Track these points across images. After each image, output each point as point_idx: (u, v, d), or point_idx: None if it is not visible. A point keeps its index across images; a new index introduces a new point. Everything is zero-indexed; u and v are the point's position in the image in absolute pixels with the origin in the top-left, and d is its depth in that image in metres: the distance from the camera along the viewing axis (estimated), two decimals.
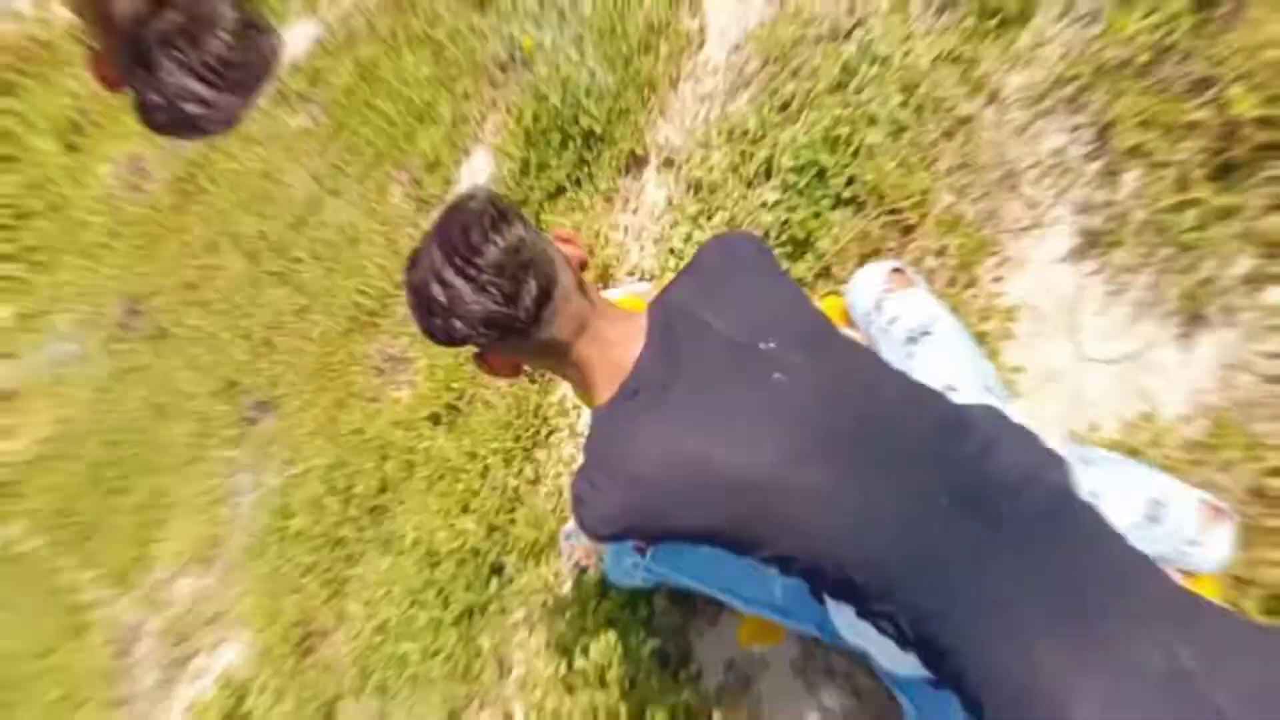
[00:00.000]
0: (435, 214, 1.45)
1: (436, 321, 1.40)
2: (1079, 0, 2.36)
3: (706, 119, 3.23)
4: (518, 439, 3.20)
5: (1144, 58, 2.15)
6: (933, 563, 1.33)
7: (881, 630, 1.42)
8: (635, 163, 3.46)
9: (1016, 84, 2.42)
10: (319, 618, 3.69)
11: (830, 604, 1.69)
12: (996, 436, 1.46)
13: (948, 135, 2.47)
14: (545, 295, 1.40)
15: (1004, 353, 2.21)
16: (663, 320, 1.51)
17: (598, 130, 3.47)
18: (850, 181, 2.59)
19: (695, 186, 3.12)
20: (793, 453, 1.39)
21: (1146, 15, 2.15)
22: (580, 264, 1.55)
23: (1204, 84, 2.06)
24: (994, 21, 2.49)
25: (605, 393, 1.49)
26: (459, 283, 1.35)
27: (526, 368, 1.67)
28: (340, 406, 4.20)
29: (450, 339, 1.42)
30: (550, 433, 3.22)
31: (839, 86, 2.75)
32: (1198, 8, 2.07)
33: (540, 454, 3.20)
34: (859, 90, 2.66)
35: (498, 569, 3.04)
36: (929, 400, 1.52)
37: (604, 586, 2.64)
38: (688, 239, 3.01)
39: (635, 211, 3.39)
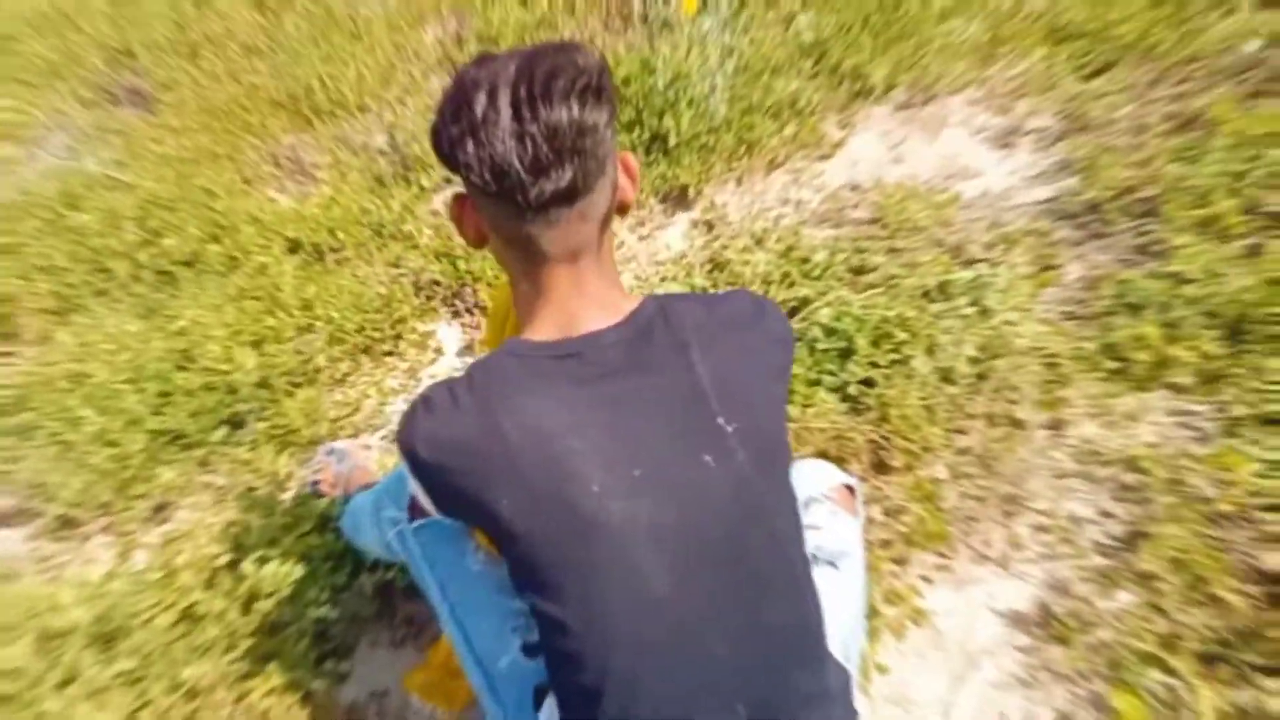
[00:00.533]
0: (453, 71, 1.24)
1: (452, 129, 1.19)
2: (1198, 413, 2.21)
3: (776, 220, 3.00)
4: (360, 330, 2.80)
5: (1226, 506, 1.98)
6: None
7: None
8: (679, 197, 3.21)
9: (1087, 433, 2.23)
10: (22, 318, 3.15)
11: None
12: (835, 700, 1.35)
13: (989, 420, 2.26)
14: (569, 196, 1.21)
15: (882, 643, 1.95)
16: (650, 318, 1.30)
17: (670, 141, 3.22)
18: (868, 383, 2.35)
19: (717, 264, 2.87)
20: (661, 536, 1.21)
21: (1266, 473, 1.99)
22: (623, 204, 1.35)
23: (1262, 576, 1.89)
24: (1114, 364, 2.33)
25: (538, 333, 1.30)
26: (505, 112, 1.15)
27: (488, 249, 1.38)
28: (210, 160, 3.73)
29: (448, 155, 1.21)
30: (391, 353, 2.84)
31: (925, 295, 2.55)
32: None
33: (367, 362, 2.80)
34: (941, 315, 2.46)
35: (237, 423, 2.58)
36: (809, 615, 1.33)
37: (323, 520, 2.25)
38: None
39: (646, 238, 3.11)
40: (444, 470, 1.25)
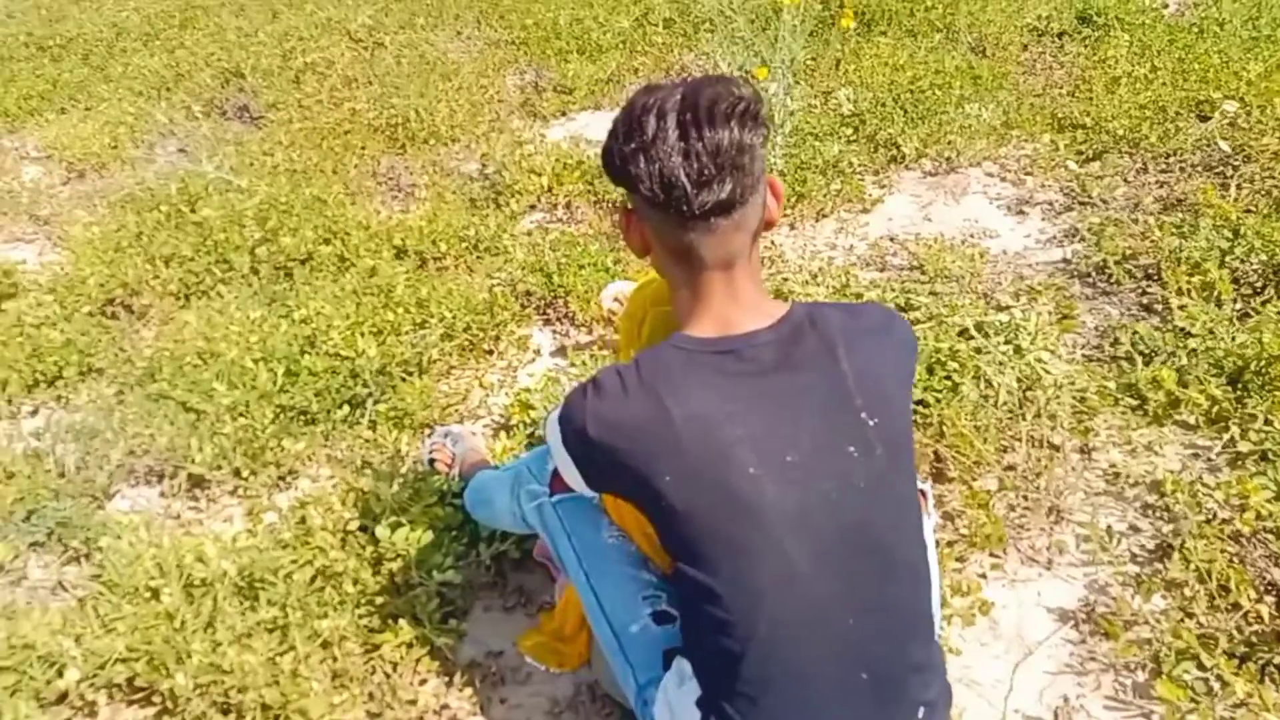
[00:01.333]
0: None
1: (625, 148, 1.18)
2: (1207, 447, 2.22)
3: (829, 261, 3.00)
4: (466, 329, 2.75)
5: (1244, 527, 1.98)
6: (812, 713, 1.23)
7: None
8: None
9: (1113, 458, 2.23)
10: (146, 294, 3.06)
11: (674, 680, 1.39)
12: (937, 672, 1.33)
13: (1034, 442, 2.25)
14: (727, 207, 1.18)
15: (953, 628, 1.93)
16: (800, 322, 1.27)
17: None
18: (921, 403, 2.34)
19: (779, 295, 2.86)
20: (807, 519, 1.19)
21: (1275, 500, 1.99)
22: (769, 221, 1.32)
23: (1274, 589, 1.89)
24: (1133, 401, 2.34)
25: (699, 330, 1.27)
26: (673, 133, 1.15)
27: (649, 259, 1.36)
28: (317, 173, 3.66)
29: (620, 172, 1.21)
30: (491, 352, 2.78)
31: (963, 333, 2.54)
32: None
33: (471, 358, 2.75)
34: (981, 350, 2.45)
35: (357, 404, 2.51)
36: (922, 595, 1.32)
37: (444, 495, 2.19)
38: None
39: None
40: (611, 449, 1.22)
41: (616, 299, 2.63)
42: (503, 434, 2.43)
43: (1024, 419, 2.27)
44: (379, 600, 1.97)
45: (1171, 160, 3.26)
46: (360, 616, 1.95)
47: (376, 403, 2.48)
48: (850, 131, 3.56)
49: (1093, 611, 1.93)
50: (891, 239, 3.09)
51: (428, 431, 2.47)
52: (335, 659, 1.88)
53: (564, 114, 4.19)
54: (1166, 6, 4.54)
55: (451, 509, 2.14)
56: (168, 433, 2.41)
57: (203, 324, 2.78)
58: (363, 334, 2.61)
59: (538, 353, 2.76)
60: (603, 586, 1.58)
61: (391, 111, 4.02)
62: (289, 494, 2.37)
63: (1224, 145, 3.14)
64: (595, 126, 4.09)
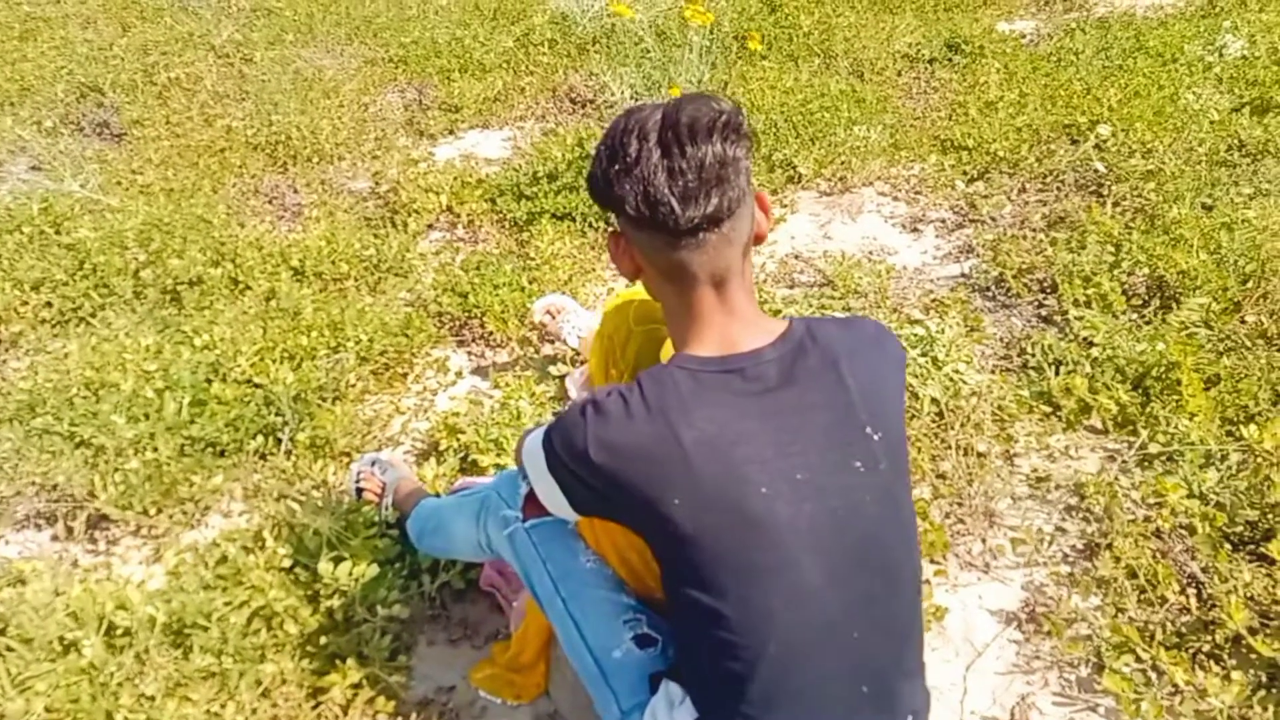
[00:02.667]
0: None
1: (609, 170, 1.20)
2: (1117, 449, 2.35)
3: None
4: (383, 353, 2.65)
5: (1163, 523, 2.11)
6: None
7: None
8: None
9: (1035, 463, 2.34)
10: (15, 323, 2.81)
11: (662, 704, 1.36)
12: (921, 677, 1.35)
13: (961, 450, 2.33)
14: (715, 220, 1.18)
15: None
16: (800, 338, 1.27)
17: None
18: None
19: None
20: (817, 535, 1.19)
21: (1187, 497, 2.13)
22: (758, 235, 1.33)
23: (1194, 580, 2.01)
24: (1047, 409, 2.46)
25: (701, 349, 1.26)
26: (656, 151, 1.16)
27: (641, 282, 1.36)
28: (194, 192, 3.47)
29: (605, 195, 1.23)
30: (406, 374, 2.69)
31: None
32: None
33: (388, 382, 2.65)
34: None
35: (272, 433, 2.39)
36: (918, 603, 1.33)
37: (374, 523, 2.09)
38: None
39: (630, 286, 3.08)
40: (613, 473, 1.20)
41: (549, 312, 2.59)
42: (431, 459, 2.34)
43: (952, 428, 2.35)
44: (322, 640, 1.87)
45: (1049, 180, 3.46)
46: (303, 659, 1.85)
47: (294, 432, 2.35)
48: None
49: (1033, 611, 2.01)
50: (797, 257, 3.16)
51: (349, 460, 2.36)
52: (278, 705, 1.77)
53: (452, 132, 4.12)
54: (1025, 37, 4.83)
55: (388, 540, 2.04)
56: (62, 470, 2.22)
57: (88, 352, 2.58)
58: (274, 360, 2.47)
59: (460, 374, 2.69)
60: (582, 612, 1.54)
61: (271, 129, 3.85)
62: (200, 532, 2.23)
63: (1100, 166, 3.35)
64: (486, 145, 4.04)
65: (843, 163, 3.58)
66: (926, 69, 4.50)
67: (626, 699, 1.46)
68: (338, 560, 1.92)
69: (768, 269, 3.11)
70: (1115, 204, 3.23)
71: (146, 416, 2.31)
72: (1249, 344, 2.53)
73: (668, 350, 1.57)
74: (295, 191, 3.56)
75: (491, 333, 2.81)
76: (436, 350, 2.77)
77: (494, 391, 2.62)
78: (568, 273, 2.97)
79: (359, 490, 2.20)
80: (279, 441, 2.36)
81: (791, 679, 1.21)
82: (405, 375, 2.67)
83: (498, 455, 2.28)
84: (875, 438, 1.24)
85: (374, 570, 1.92)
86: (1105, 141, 3.45)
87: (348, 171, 3.72)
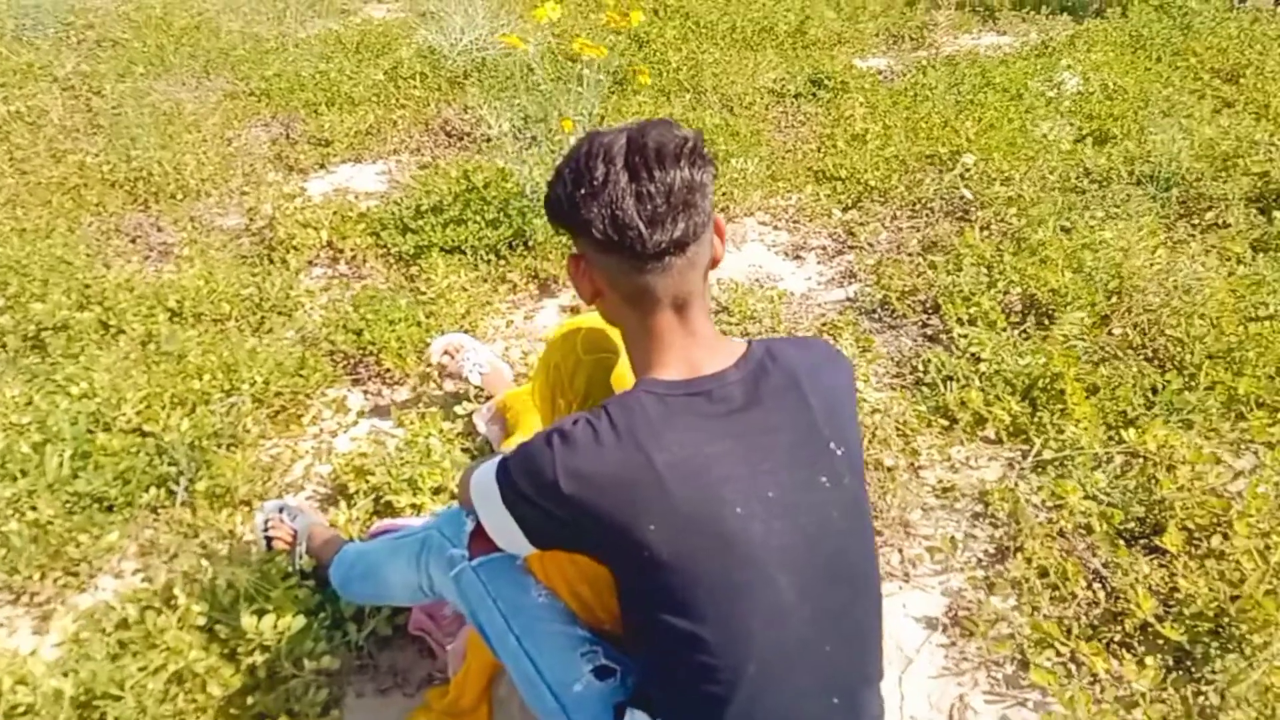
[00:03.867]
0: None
1: (575, 194, 1.20)
2: (1013, 457, 2.49)
3: None
4: (278, 395, 2.55)
5: (1065, 524, 2.24)
6: None
7: None
8: (544, 285, 3.21)
9: (940, 475, 2.44)
10: None
11: None
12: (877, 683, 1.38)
13: (871, 465, 2.42)
14: (681, 245, 1.20)
15: None
16: (760, 359, 1.30)
17: (538, 237, 3.23)
18: None
19: None
20: (790, 552, 1.21)
21: (1085, 496, 2.27)
22: (715, 259, 1.35)
23: (1097, 576, 2.14)
24: (945, 422, 2.59)
25: (666, 373, 1.26)
26: (623, 176, 1.17)
27: (599, 307, 1.37)
28: (48, 233, 3.26)
29: (570, 218, 1.23)
30: (301, 416, 2.59)
31: None
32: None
33: (284, 425, 2.55)
34: None
35: (165, 484, 2.25)
36: (879, 612, 1.38)
37: (285, 571, 2.00)
38: None
39: (530, 317, 3.07)
40: (583, 502, 1.19)
41: (447, 351, 2.56)
42: (340, 503, 2.27)
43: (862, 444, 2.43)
44: (248, 700, 1.77)
45: (919, 207, 3.65)
46: None
47: (191, 482, 2.23)
48: None
49: (956, 615, 2.09)
50: None
51: (250, 509, 2.26)
52: None
53: (323, 166, 4.03)
54: (881, 74, 5.10)
55: (307, 590, 1.96)
56: None
57: None
58: (163, 406, 2.34)
59: (361, 414, 2.61)
60: (537, 648, 1.51)
61: (130, 165, 3.67)
62: (92, 595, 2.08)
63: (966, 193, 3.56)
64: (360, 179, 3.96)
65: (724, 194, 3.68)
66: (793, 103, 4.69)
67: None
68: (260, 613, 1.83)
69: None
70: (983, 228, 3.43)
71: (24, 473, 2.14)
72: (1120, 354, 2.73)
73: (619, 377, 1.58)
74: (160, 230, 3.40)
75: (389, 370, 2.75)
76: (332, 390, 2.68)
77: (397, 430, 2.55)
78: (465, 306, 2.94)
79: (268, 540, 2.11)
80: (172, 493, 2.23)
81: (769, 697, 1.22)
82: (301, 417, 2.57)
83: (413, 495, 2.23)
84: (838, 453, 1.28)
85: (299, 621, 1.84)
86: (969, 170, 3.67)
87: (217, 208, 3.58)
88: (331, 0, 6.08)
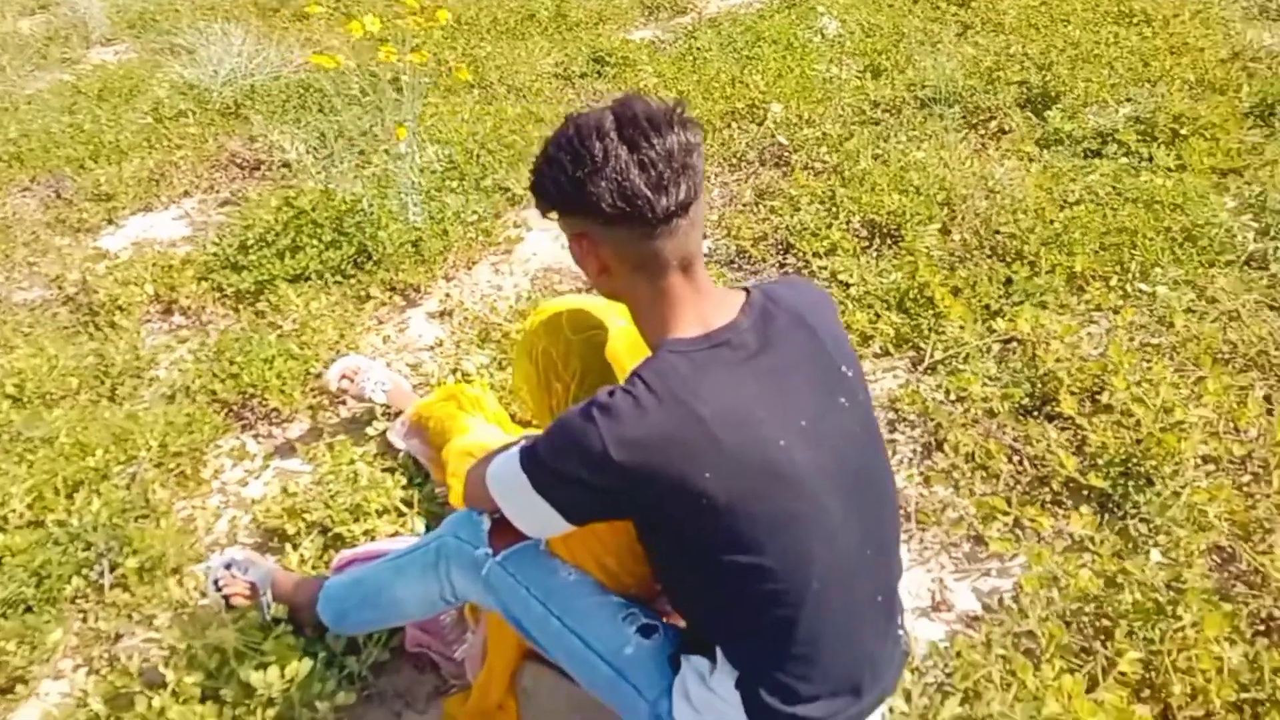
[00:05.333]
0: None
1: (576, 174, 1.24)
2: (902, 365, 2.73)
3: (518, 298, 3.12)
4: (177, 454, 2.41)
5: (977, 410, 2.50)
6: (852, 645, 1.39)
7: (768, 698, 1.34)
8: (405, 294, 3.18)
9: None
10: None
11: (692, 679, 1.44)
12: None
13: None
14: (685, 206, 1.27)
15: None
16: (762, 304, 1.39)
17: (385, 249, 3.20)
18: None
19: (492, 339, 2.91)
20: (829, 473, 1.32)
21: (983, 384, 2.54)
22: None
23: (1014, 450, 2.41)
24: None
25: (684, 332, 1.32)
26: (622, 149, 1.22)
27: (602, 284, 1.41)
28: None
29: (574, 199, 1.27)
30: (199, 470, 2.46)
31: None
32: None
33: (187, 484, 2.42)
34: None
35: (83, 569, 2.07)
36: (898, 518, 1.54)
37: (259, 623, 1.93)
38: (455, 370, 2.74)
39: (403, 329, 3.03)
40: (640, 466, 1.23)
41: (345, 376, 2.51)
42: (284, 547, 2.20)
43: None
44: None
45: (737, 160, 3.87)
46: None
47: (116, 561, 2.09)
48: (458, 182, 3.70)
49: (909, 512, 2.28)
50: (548, 270, 3.29)
51: (179, 577, 2.15)
52: None
53: (111, 221, 3.77)
54: (655, 44, 5.31)
55: (291, 635, 1.91)
56: None
57: None
58: (57, 492, 2.17)
59: (270, 456, 2.52)
60: (581, 623, 1.55)
61: None
62: (40, 702, 1.93)
63: (783, 139, 3.81)
64: (159, 227, 3.74)
65: None
66: (581, 83, 4.80)
67: (650, 689, 1.49)
68: (261, 667, 1.77)
69: (521, 287, 3.20)
70: (805, 168, 3.68)
71: None
72: (968, 256, 3.04)
73: (613, 353, 1.62)
74: None
75: (275, 410, 2.66)
76: (226, 440, 2.57)
77: (304, 467, 2.48)
78: (335, 331, 2.87)
79: (225, 599, 2.02)
80: (97, 580, 2.09)
81: (831, 609, 1.33)
82: (200, 472, 2.46)
83: (363, 522, 2.19)
84: (849, 374, 1.40)
85: (305, 665, 1.79)
86: (779, 118, 3.92)
87: (10, 284, 3.29)
88: (49, 51, 5.62)
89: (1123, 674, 1.72)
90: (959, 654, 1.84)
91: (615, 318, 1.64)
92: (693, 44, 5.10)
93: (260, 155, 4.11)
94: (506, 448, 1.55)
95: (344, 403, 2.63)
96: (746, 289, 1.41)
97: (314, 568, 2.14)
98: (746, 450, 1.24)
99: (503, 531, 1.59)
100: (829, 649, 1.35)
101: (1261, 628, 1.87)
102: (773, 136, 3.84)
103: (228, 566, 2.07)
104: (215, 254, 3.33)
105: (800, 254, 3.18)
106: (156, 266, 3.25)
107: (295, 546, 2.17)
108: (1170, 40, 4.56)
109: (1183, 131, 3.67)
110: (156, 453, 2.34)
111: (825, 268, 3.06)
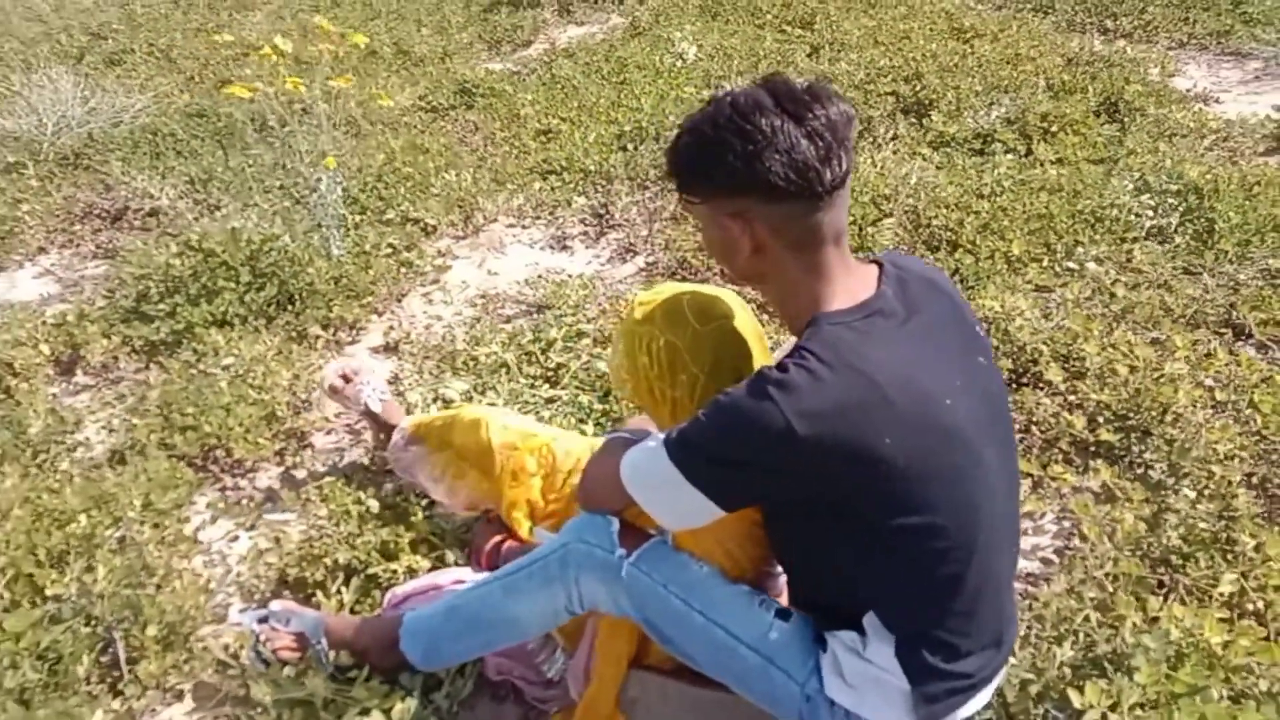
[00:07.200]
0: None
1: (747, 149, 1.26)
2: None
3: (472, 324, 3.06)
4: (156, 525, 2.20)
5: None
6: (1000, 598, 1.48)
7: (930, 658, 1.40)
8: (340, 330, 3.06)
9: None
10: None
11: (844, 654, 1.47)
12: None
13: None
14: (846, 176, 1.32)
15: None
16: (896, 275, 1.45)
17: (314, 287, 3.07)
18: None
19: (456, 367, 2.84)
20: (983, 427, 1.38)
21: None
22: None
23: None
24: None
25: (838, 304, 1.36)
26: (789, 124, 1.26)
27: (750, 268, 1.40)
28: None
29: (746, 176, 1.28)
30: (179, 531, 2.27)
31: None
32: None
33: (189, 547, 2.23)
34: None
35: (95, 647, 1.86)
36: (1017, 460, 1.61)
37: (339, 669, 1.81)
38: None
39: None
40: (823, 437, 1.24)
41: (344, 375, 2.39)
42: (314, 595, 2.07)
43: None
44: None
45: (643, 180, 3.95)
46: None
47: (131, 633, 1.91)
48: (365, 215, 3.60)
49: None
50: (484, 296, 3.25)
51: (202, 645, 1.99)
52: None
53: None
54: (515, 74, 5.36)
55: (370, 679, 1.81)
56: None
57: None
58: (41, 564, 1.96)
59: (260, 506, 2.36)
60: (724, 615, 1.55)
61: None
62: None
63: None
64: (21, 288, 3.45)
65: (460, 207, 3.72)
66: (453, 114, 4.78)
67: (799, 670, 1.51)
68: (364, 713, 1.66)
69: (467, 314, 3.16)
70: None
71: None
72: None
73: (749, 340, 1.62)
74: None
75: (239, 461, 2.50)
76: (199, 497, 2.39)
77: (289, 514, 2.35)
78: (290, 372, 2.73)
79: (264, 657, 1.88)
80: (107, 659, 1.90)
81: (992, 561, 1.41)
82: (183, 529, 2.28)
83: (401, 559, 2.10)
84: (980, 335, 1.49)
85: (411, 705, 1.70)
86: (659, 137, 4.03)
87: None
88: None
89: (1223, 595, 1.87)
90: (1045, 604, 1.94)
91: (734, 304, 1.64)
92: (555, 73, 5.17)
93: (122, 204, 3.85)
94: (623, 442, 1.55)
95: (339, 403, 2.47)
96: (876, 260, 1.46)
97: (353, 611, 2.03)
98: (918, 411, 1.28)
99: (631, 534, 1.58)
100: (985, 603, 1.42)
101: None
102: (656, 156, 3.94)
103: (263, 620, 1.93)
104: (109, 307, 3.09)
105: None
106: (47, 326, 2.98)
107: (326, 595, 2.04)
108: (1006, 52, 5.02)
109: (1052, 129, 4.05)
110: (141, 513, 2.13)
111: None
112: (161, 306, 3.03)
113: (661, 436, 1.39)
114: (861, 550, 1.39)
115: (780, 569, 1.67)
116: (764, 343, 1.64)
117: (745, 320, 1.62)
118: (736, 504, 1.39)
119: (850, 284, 1.37)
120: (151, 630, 1.90)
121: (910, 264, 1.48)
